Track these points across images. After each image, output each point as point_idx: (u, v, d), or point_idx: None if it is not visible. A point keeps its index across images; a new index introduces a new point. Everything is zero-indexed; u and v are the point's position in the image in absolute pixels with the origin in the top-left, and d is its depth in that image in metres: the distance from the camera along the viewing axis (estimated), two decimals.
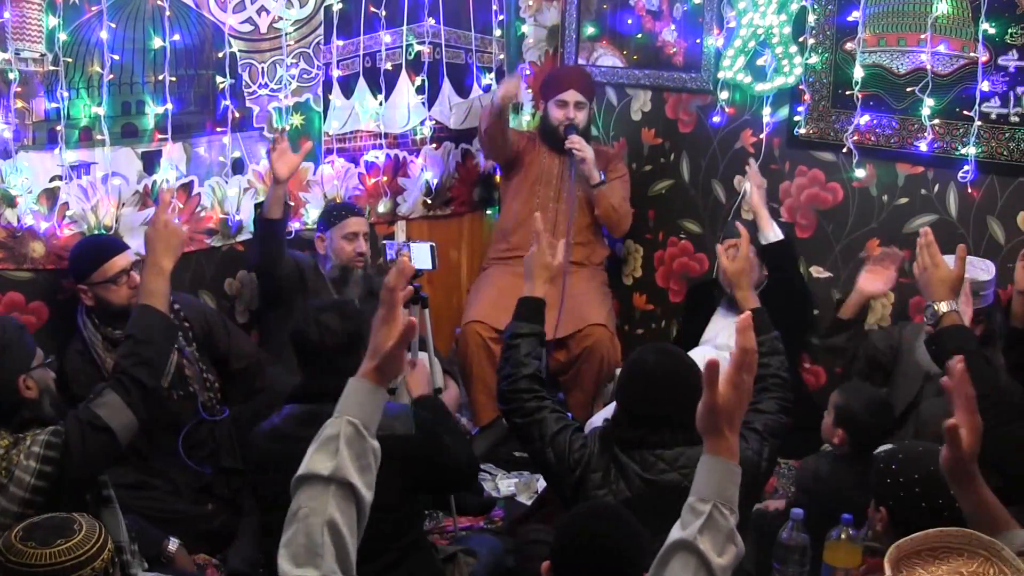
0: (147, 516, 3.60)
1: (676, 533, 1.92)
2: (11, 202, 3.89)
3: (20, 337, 3.05)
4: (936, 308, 3.06)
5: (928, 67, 4.25)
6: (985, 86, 4.10)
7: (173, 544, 3.57)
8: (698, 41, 5.13)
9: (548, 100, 5.20)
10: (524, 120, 5.69)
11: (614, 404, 3.98)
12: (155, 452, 3.89)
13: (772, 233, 4.56)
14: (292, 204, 4.66)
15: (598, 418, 4.05)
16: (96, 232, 4.09)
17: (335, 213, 4.58)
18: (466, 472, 3.38)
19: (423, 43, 5.18)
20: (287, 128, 4.65)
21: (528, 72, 5.67)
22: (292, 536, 1.97)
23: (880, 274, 4.33)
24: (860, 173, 4.58)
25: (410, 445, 3.08)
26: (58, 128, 3.97)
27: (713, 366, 1.96)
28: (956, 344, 2.98)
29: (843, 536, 2.89)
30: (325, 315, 3.19)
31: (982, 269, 3.87)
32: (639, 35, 5.40)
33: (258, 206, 4.43)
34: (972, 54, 4.13)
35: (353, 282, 4.50)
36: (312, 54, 4.76)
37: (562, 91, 5.14)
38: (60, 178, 4.02)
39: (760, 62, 4.80)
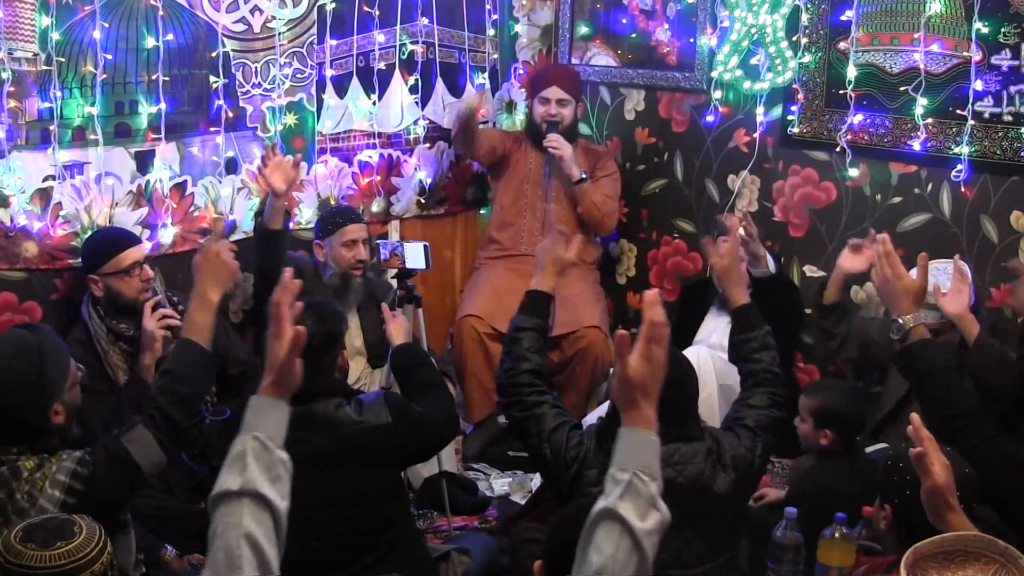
0: (141, 515, 3.59)
1: (599, 504, 1.97)
2: (4, 202, 3.88)
3: (57, 360, 2.93)
4: (902, 322, 2.99)
5: (921, 66, 4.25)
6: (978, 85, 4.11)
7: (170, 553, 3.55)
8: (692, 40, 5.13)
9: (533, 98, 5.20)
10: (518, 120, 5.69)
11: (605, 406, 4.03)
12: None
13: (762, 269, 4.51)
14: (292, 215, 4.65)
15: (592, 416, 4.06)
16: (90, 232, 4.08)
17: (333, 220, 4.54)
18: (445, 432, 3.41)
19: (416, 42, 5.18)
20: (277, 142, 4.60)
21: (521, 71, 5.67)
22: (212, 554, 1.98)
23: (860, 252, 4.24)
24: (853, 172, 4.58)
25: (387, 435, 3.11)
26: (51, 128, 3.96)
27: (622, 338, 2.04)
28: (927, 361, 2.93)
29: (837, 535, 2.90)
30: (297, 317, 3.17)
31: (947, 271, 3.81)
32: (633, 34, 5.40)
33: (258, 215, 4.42)
34: (965, 53, 4.13)
35: (353, 290, 4.48)
36: (305, 54, 4.75)
37: (544, 88, 5.13)
38: (53, 178, 4.01)
39: (753, 61, 4.81)
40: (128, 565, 2.94)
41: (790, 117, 4.75)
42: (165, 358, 3.80)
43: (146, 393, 3.58)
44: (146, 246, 4.10)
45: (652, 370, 2.04)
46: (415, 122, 5.28)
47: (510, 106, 5.68)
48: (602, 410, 4.13)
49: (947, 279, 3.57)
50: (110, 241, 3.91)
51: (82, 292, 3.93)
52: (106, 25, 4.05)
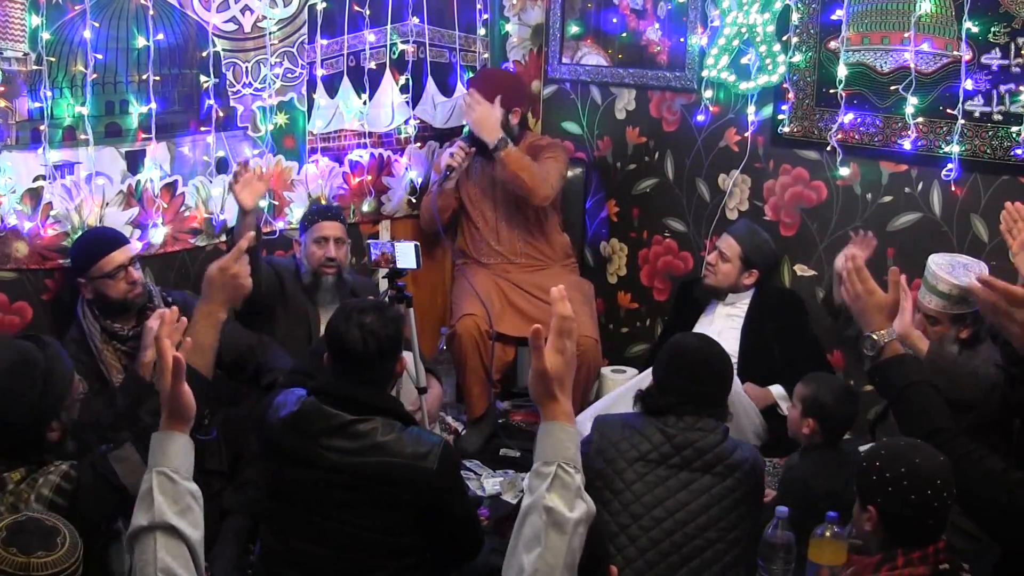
0: None
1: (526, 499, 2.01)
2: None
3: (62, 380, 2.89)
4: (876, 338, 2.91)
5: (912, 65, 4.26)
6: (968, 84, 4.11)
7: None
8: (682, 40, 5.13)
9: None
10: None
11: (600, 403, 4.20)
12: None
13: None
14: (283, 215, 4.64)
15: (586, 414, 4.06)
16: (80, 232, 4.07)
17: (309, 216, 4.54)
18: (473, 533, 3.22)
19: (407, 42, 5.18)
20: (246, 160, 4.52)
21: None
22: None
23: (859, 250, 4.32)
24: (844, 171, 4.59)
25: (428, 478, 2.99)
26: (41, 128, 3.95)
27: (537, 333, 2.08)
28: (902, 377, 2.86)
29: (828, 534, 2.90)
30: (367, 317, 3.05)
31: (974, 272, 3.80)
32: (623, 34, 5.40)
33: (230, 232, 4.39)
34: (955, 52, 4.14)
35: (324, 289, 4.45)
36: (296, 53, 4.74)
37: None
38: (44, 178, 4.00)
39: (744, 61, 4.81)
40: (122, 574, 2.92)
41: (781, 116, 4.76)
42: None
43: (144, 390, 3.54)
44: (136, 246, 4.08)
45: (565, 362, 2.10)
46: (406, 122, 5.27)
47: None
48: (597, 408, 4.15)
49: (967, 276, 3.58)
50: (95, 244, 3.87)
51: (74, 292, 3.92)
52: (96, 25, 4.04)
